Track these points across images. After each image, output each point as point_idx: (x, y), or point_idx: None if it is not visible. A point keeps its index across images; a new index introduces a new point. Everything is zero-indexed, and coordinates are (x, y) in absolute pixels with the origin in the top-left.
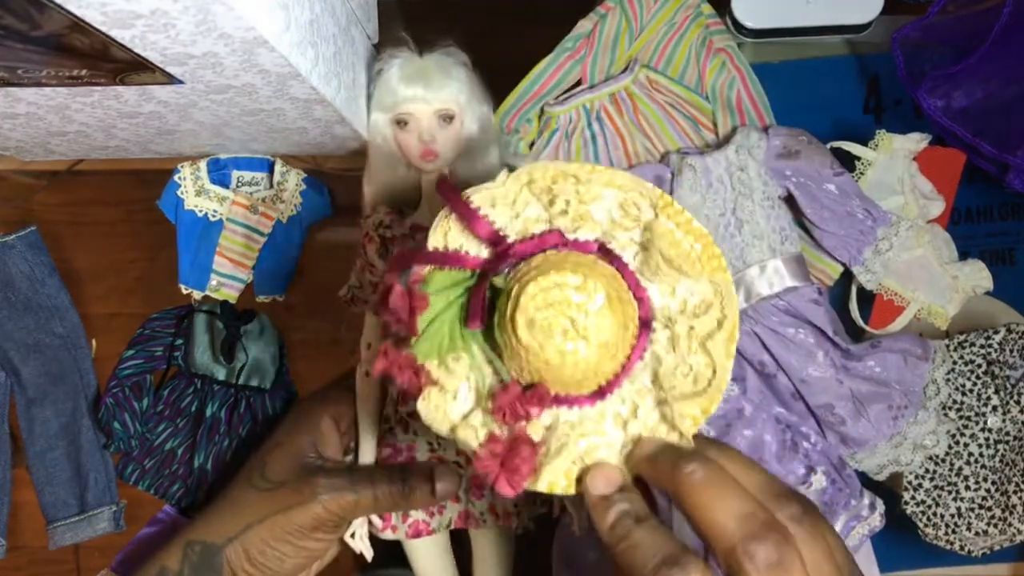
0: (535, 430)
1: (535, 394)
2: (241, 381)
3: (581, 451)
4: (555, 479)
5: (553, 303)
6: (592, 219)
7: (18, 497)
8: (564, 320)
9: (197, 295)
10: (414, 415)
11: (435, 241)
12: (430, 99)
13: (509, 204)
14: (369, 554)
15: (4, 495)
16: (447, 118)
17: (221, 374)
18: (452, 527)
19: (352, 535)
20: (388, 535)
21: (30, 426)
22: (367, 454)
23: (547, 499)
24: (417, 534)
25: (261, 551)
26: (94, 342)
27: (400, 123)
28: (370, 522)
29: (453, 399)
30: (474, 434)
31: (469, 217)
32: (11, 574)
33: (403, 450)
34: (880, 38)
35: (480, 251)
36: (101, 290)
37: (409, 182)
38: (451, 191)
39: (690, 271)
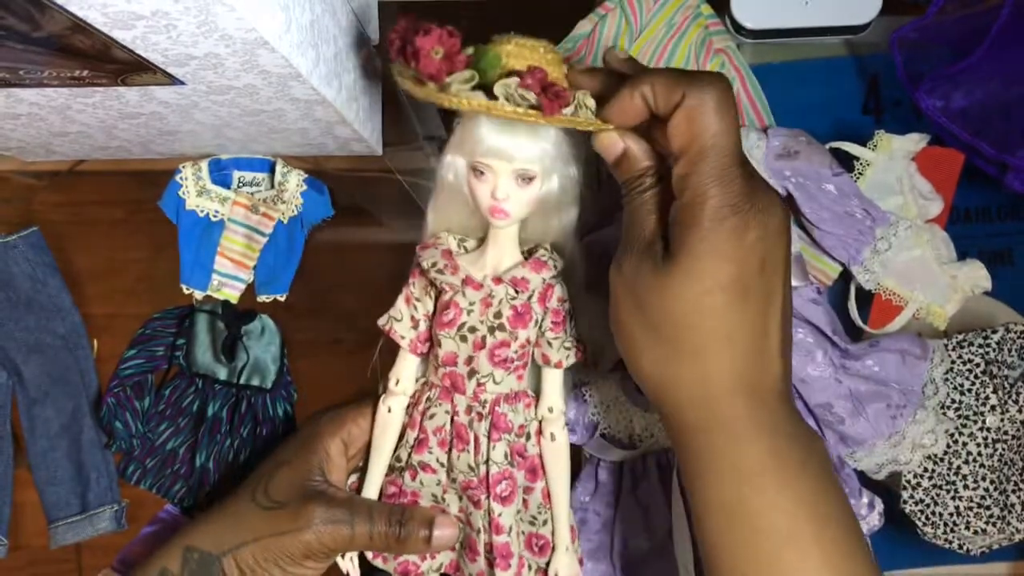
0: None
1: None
2: (242, 381)
3: None
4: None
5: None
6: None
7: (20, 496)
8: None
9: (198, 295)
10: (425, 467)
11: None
12: (513, 157)
13: None
14: (356, 575)
15: (6, 494)
16: (526, 179)
17: (222, 374)
18: (442, 572)
19: (343, 555)
20: (378, 563)
21: (31, 426)
22: (372, 488)
23: (544, 570)
24: (405, 573)
25: (252, 569)
26: (95, 342)
27: (476, 171)
28: None
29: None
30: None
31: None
32: (12, 573)
33: (408, 494)
34: (879, 38)
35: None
36: (102, 290)
37: (476, 221)
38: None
39: None
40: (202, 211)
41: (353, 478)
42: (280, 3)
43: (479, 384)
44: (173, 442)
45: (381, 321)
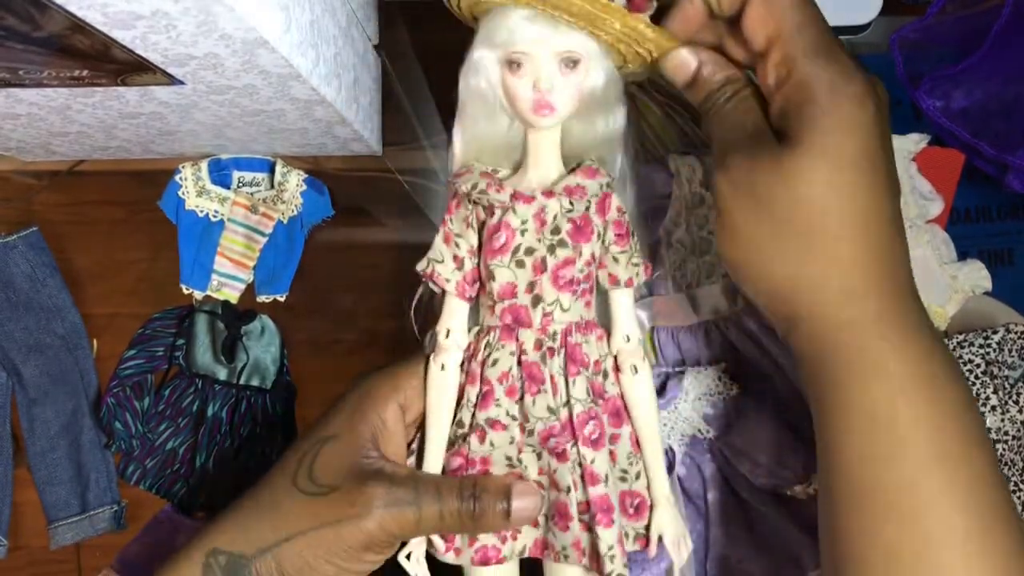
0: None
1: None
2: (242, 381)
3: None
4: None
5: None
6: None
7: (19, 497)
8: None
9: (198, 295)
10: (495, 424)
11: None
12: (556, 41)
13: None
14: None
15: (6, 495)
16: (572, 63)
17: (222, 374)
18: (526, 555)
19: (408, 556)
20: (450, 558)
21: (31, 426)
22: (433, 462)
23: (644, 535)
24: (485, 561)
25: (298, 569)
26: (95, 342)
27: (512, 64)
28: (429, 541)
29: None
30: None
31: None
32: (12, 573)
33: (476, 463)
34: (879, 39)
35: None
36: (102, 290)
37: (511, 139)
38: None
39: None
40: (202, 211)
41: (411, 460)
42: (280, 3)
43: (545, 314)
44: (173, 442)
45: (420, 265)
